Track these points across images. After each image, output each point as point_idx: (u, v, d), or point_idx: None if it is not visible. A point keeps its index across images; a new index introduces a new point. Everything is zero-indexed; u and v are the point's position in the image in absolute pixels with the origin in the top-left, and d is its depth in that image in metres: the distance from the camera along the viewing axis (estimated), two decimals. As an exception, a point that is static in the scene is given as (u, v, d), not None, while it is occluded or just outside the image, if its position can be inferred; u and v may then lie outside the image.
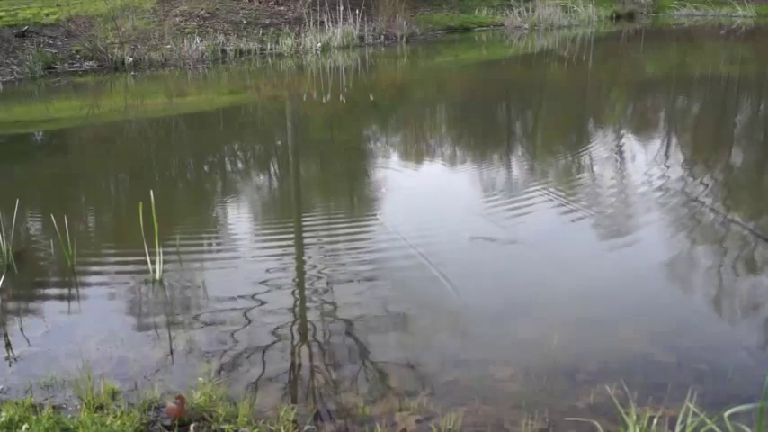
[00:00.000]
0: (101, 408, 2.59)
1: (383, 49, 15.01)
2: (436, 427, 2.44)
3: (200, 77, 12.06)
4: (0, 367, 2.98)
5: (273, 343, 3.13)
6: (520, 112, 9.79)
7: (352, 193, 5.71)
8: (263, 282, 3.79)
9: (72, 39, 12.78)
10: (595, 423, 2.38)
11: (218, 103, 10.15)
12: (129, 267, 4.04)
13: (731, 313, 3.44)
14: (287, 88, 11.28)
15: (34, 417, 2.48)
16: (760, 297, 3.56)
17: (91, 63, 12.40)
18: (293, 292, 3.70)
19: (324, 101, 9.65)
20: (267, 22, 14.89)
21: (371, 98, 10.25)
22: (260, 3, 15.64)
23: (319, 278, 3.84)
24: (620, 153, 6.73)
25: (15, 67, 11.72)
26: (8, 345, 3.19)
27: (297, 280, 3.86)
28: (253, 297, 3.59)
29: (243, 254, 4.24)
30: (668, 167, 5.95)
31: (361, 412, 2.58)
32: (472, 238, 4.30)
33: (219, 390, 2.68)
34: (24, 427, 2.40)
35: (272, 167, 6.91)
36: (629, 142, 7.27)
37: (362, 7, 15.37)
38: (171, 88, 11.47)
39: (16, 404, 2.57)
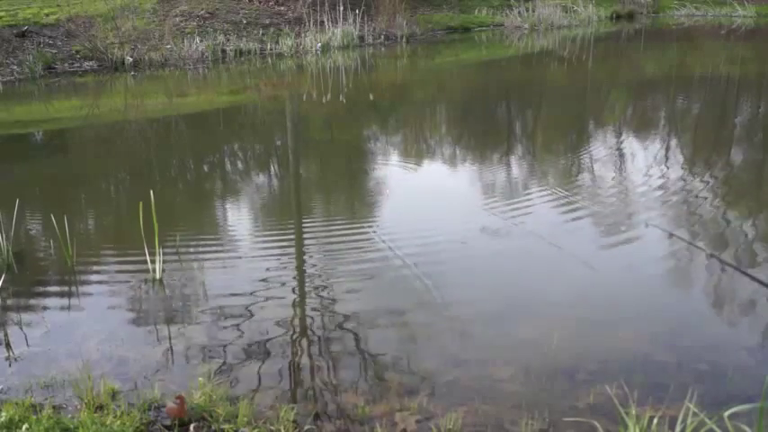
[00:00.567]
0: (101, 408, 2.59)
1: (383, 49, 15.01)
2: (436, 427, 2.44)
3: (200, 77, 12.06)
4: (0, 367, 2.98)
5: (273, 343, 3.13)
6: (520, 112, 9.79)
7: (353, 194, 5.71)
8: (263, 281, 3.79)
9: (72, 39, 12.78)
10: (595, 423, 2.38)
11: (218, 103, 10.15)
12: (129, 267, 4.03)
13: (731, 313, 3.43)
14: (287, 88, 11.28)
15: (34, 417, 2.47)
16: (760, 297, 3.56)
17: (91, 63, 12.40)
18: (293, 292, 3.70)
19: (324, 101, 9.64)
20: (267, 22, 14.89)
21: (371, 98, 10.25)
22: (260, 3, 15.64)
23: (320, 277, 3.84)
24: (620, 153, 6.72)
25: (15, 67, 11.72)
26: (8, 345, 3.19)
27: (297, 279, 3.86)
28: (252, 297, 3.58)
29: (243, 253, 4.24)
30: (668, 167, 5.95)
31: (361, 412, 2.58)
32: (471, 237, 4.31)
33: (219, 390, 2.68)
34: (24, 427, 2.40)
35: (271, 167, 6.91)
36: (629, 142, 7.27)
37: (362, 7, 15.36)
38: (171, 88, 11.47)
39: (16, 404, 2.57)
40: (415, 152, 7.19)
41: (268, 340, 3.15)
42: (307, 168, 6.84)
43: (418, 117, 9.29)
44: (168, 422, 2.51)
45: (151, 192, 3.88)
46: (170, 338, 3.22)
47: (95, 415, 2.49)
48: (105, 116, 9.50)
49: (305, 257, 4.18)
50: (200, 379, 2.73)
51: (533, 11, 18.56)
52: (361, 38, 15.15)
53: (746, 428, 2.04)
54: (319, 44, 14.16)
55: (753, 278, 3.64)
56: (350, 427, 2.51)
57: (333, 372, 2.90)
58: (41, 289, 3.92)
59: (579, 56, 14.09)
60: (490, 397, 2.66)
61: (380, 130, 8.50)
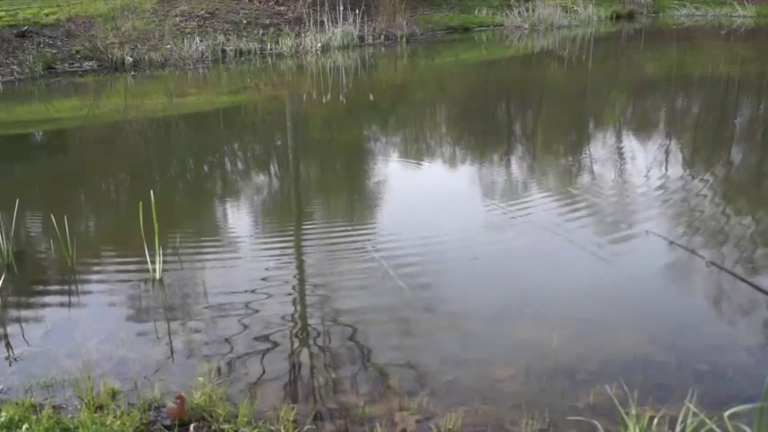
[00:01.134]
0: (101, 408, 2.58)
1: (383, 49, 15.01)
2: (436, 427, 2.44)
3: (199, 77, 12.06)
4: (0, 367, 2.98)
5: (273, 342, 3.13)
6: (520, 113, 9.79)
7: (353, 194, 5.71)
8: (263, 281, 3.79)
9: (72, 39, 12.78)
10: (595, 423, 2.38)
11: (218, 103, 10.15)
12: (129, 267, 4.03)
13: (731, 313, 3.43)
14: (287, 88, 11.28)
15: (34, 417, 2.47)
16: (761, 296, 3.55)
17: (91, 63, 12.40)
18: (293, 292, 3.70)
19: (324, 101, 9.65)
20: (267, 22, 14.89)
21: (371, 98, 10.25)
22: (260, 3, 15.64)
23: (320, 277, 3.84)
24: (620, 153, 6.72)
25: (15, 67, 11.72)
26: (8, 345, 3.19)
27: (297, 279, 3.86)
28: (253, 296, 3.58)
29: (243, 253, 4.24)
30: (668, 167, 5.95)
31: (361, 412, 2.58)
32: (471, 237, 4.31)
33: (219, 390, 2.68)
34: (24, 427, 2.40)
35: (271, 167, 6.91)
36: (629, 142, 7.27)
37: (362, 7, 15.37)
38: (171, 88, 11.47)
39: (16, 404, 2.56)
40: (415, 152, 7.19)
41: (268, 340, 3.15)
42: (307, 168, 6.83)
43: (418, 117, 9.29)
44: (168, 422, 2.51)
45: (151, 192, 3.88)
46: (170, 338, 3.22)
47: (95, 415, 2.49)
48: (105, 116, 9.50)
49: (305, 257, 4.18)
50: (200, 379, 2.72)
51: (533, 11, 18.57)
52: (361, 38, 15.15)
53: (746, 428, 2.04)
54: (319, 44, 14.16)
55: (753, 285, 3.64)
56: (350, 427, 2.51)
57: (333, 372, 2.90)
58: (41, 289, 3.92)
59: (579, 56, 14.10)
60: (490, 397, 2.66)
61: (380, 130, 8.50)
